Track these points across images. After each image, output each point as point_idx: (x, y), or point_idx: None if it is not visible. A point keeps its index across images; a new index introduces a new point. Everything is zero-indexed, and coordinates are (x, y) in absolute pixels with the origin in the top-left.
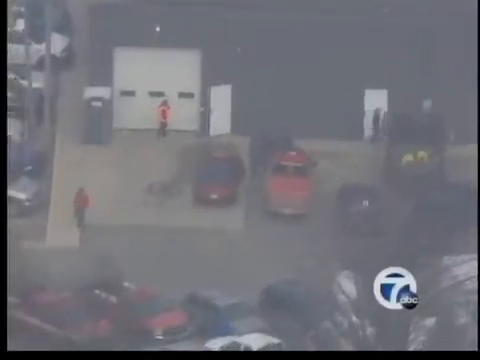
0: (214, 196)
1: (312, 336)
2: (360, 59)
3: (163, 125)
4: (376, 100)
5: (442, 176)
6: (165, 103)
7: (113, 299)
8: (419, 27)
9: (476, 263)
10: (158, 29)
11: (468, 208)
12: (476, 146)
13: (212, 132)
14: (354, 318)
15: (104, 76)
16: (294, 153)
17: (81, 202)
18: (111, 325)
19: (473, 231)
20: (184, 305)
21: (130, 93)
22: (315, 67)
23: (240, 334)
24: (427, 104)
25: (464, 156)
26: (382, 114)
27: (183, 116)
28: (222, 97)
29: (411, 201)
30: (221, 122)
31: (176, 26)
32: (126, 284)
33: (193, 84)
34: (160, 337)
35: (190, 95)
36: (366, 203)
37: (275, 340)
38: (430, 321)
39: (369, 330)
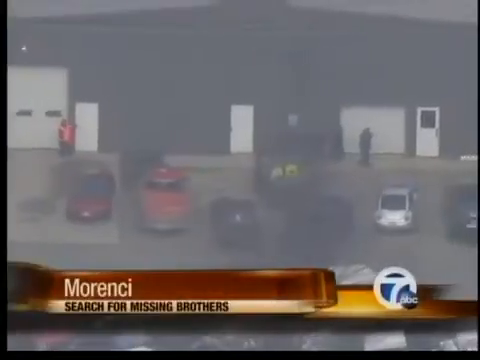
0: (86, 213)
1: (197, 348)
2: (226, 75)
3: (64, 144)
4: (242, 115)
5: (313, 189)
6: (64, 122)
7: None
8: (288, 42)
9: (366, 273)
10: (24, 48)
11: (343, 219)
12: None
13: (79, 149)
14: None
15: None
16: (165, 169)
17: None
18: None
19: (351, 242)
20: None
21: None
22: (183, 83)
23: (123, 348)
24: (293, 119)
25: (335, 169)
26: (369, 134)
27: (50, 134)
28: (89, 114)
29: (284, 214)
30: (88, 139)
31: (43, 44)
32: None
33: (60, 102)
34: None
35: (57, 113)
36: (240, 216)
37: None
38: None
39: (257, 342)
